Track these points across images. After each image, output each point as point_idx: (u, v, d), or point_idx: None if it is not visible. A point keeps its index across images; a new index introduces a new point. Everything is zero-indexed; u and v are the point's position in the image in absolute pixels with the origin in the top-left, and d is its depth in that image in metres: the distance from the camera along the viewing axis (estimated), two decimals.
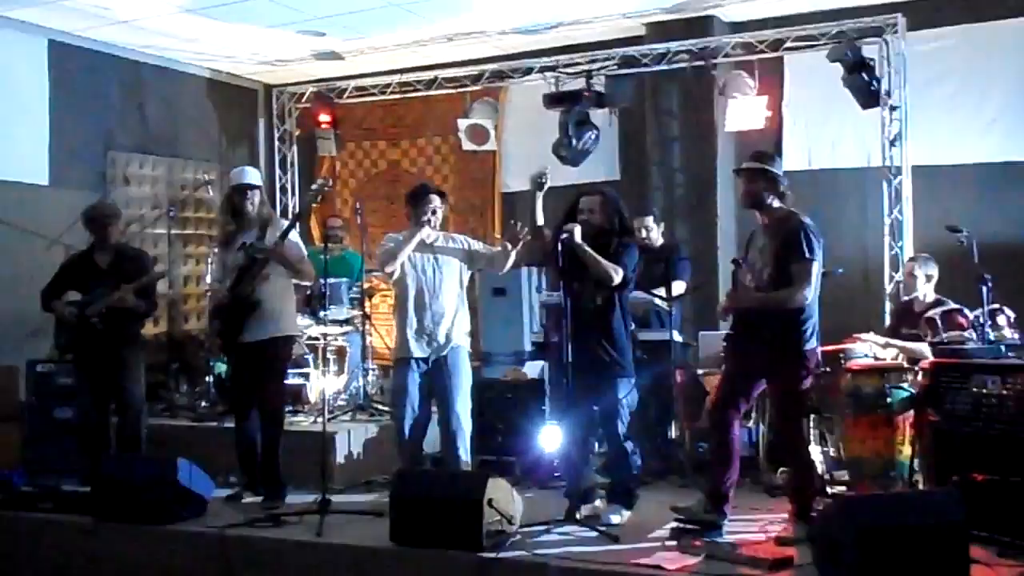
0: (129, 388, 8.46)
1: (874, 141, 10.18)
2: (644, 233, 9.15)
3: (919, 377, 7.24)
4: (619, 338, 7.11)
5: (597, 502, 7.31)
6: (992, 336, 7.34)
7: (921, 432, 7.05)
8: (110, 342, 8.37)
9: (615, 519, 7.07)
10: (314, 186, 8.09)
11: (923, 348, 7.68)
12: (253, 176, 8.05)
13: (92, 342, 8.36)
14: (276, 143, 13.40)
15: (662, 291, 8.61)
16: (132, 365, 8.51)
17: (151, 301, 8.63)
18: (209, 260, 10.86)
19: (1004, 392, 6.37)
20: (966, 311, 7.66)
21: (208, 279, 10.17)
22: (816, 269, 6.55)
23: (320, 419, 8.28)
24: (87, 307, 8.33)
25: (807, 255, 6.52)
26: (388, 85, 12.54)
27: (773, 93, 10.67)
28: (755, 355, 6.66)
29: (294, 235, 7.92)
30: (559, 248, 7.05)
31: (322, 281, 8.57)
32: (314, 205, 12.91)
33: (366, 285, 10.30)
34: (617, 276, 7.02)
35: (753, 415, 8.18)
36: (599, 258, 7.01)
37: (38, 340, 9.50)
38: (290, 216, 11.31)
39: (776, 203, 6.72)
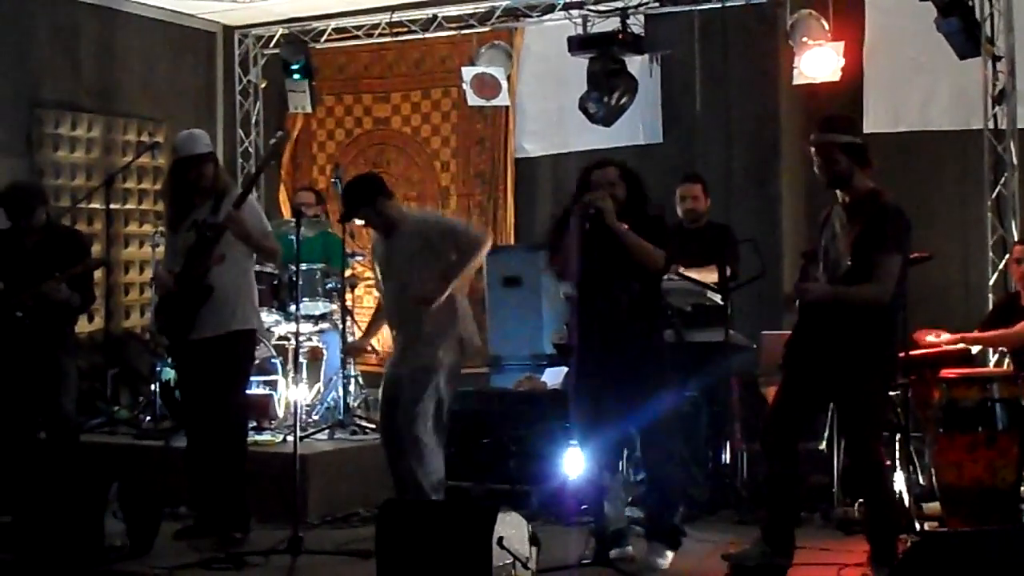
0: (63, 401, 8.50)
1: (975, 98, 10.17)
2: (689, 204, 9.20)
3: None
4: (656, 338, 7.15)
5: (631, 543, 7.34)
6: None
7: None
8: (39, 343, 8.42)
9: (659, 562, 7.10)
10: (272, 140, 8.11)
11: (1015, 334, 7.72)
12: (203, 143, 8.02)
13: (15, 342, 8.41)
14: (237, 98, 13.44)
15: (710, 278, 8.61)
16: (67, 372, 8.55)
17: (88, 293, 8.67)
18: (154, 242, 10.91)
19: None
20: None
21: (153, 265, 10.21)
22: (899, 263, 6.56)
23: (290, 438, 8.31)
24: (11, 298, 8.37)
25: (892, 246, 6.53)
26: (376, 26, 12.56)
27: (851, 38, 10.64)
28: (823, 361, 6.67)
29: (253, 204, 7.94)
30: (583, 229, 7.08)
31: (292, 267, 8.59)
32: (281, 173, 13.04)
33: (348, 273, 10.31)
34: (661, 260, 7.07)
35: (824, 434, 8.20)
36: (641, 240, 7.04)
37: None
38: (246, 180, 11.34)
39: (861, 177, 6.72)
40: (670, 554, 7.16)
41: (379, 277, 7.95)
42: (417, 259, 7.68)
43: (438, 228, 7.86)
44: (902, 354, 7.00)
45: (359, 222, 8.02)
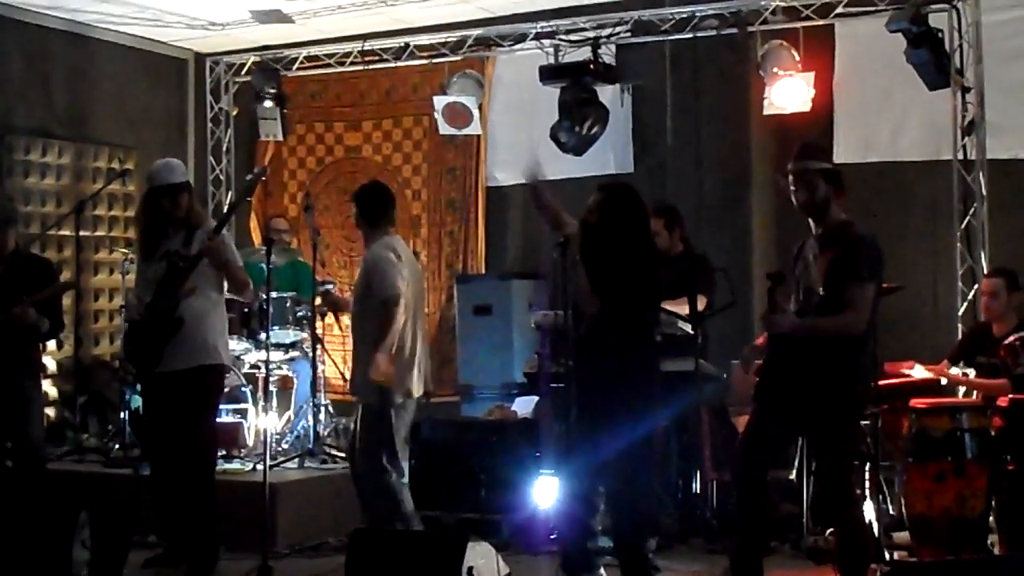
0: (30, 428, 8.45)
1: (944, 129, 10.23)
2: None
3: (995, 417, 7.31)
4: (631, 366, 7.16)
5: (602, 572, 7.33)
6: None
7: (998, 484, 7.09)
8: (5, 369, 8.37)
9: None
10: (249, 176, 8.12)
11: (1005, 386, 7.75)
12: (179, 172, 8.03)
13: None
14: (209, 125, 13.43)
15: (684, 309, 8.63)
16: (33, 399, 8.50)
17: (57, 319, 8.64)
18: (123, 270, 10.88)
19: None
20: None
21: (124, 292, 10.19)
22: (872, 293, 6.58)
23: (260, 467, 8.29)
24: None
25: (866, 276, 6.55)
26: (348, 54, 12.58)
27: (821, 69, 10.70)
28: (795, 392, 6.67)
29: (225, 237, 7.94)
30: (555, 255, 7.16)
31: (263, 296, 8.59)
32: (252, 201, 13.03)
33: (318, 301, 10.31)
34: (592, 307, 7.15)
35: (795, 463, 8.22)
36: (582, 276, 7.14)
37: None
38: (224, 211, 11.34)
39: (836, 207, 6.73)
40: None
41: None
42: (360, 290, 7.92)
43: (371, 267, 7.93)
44: (873, 384, 7.02)
45: None
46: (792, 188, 6.72)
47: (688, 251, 9.38)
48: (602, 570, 7.34)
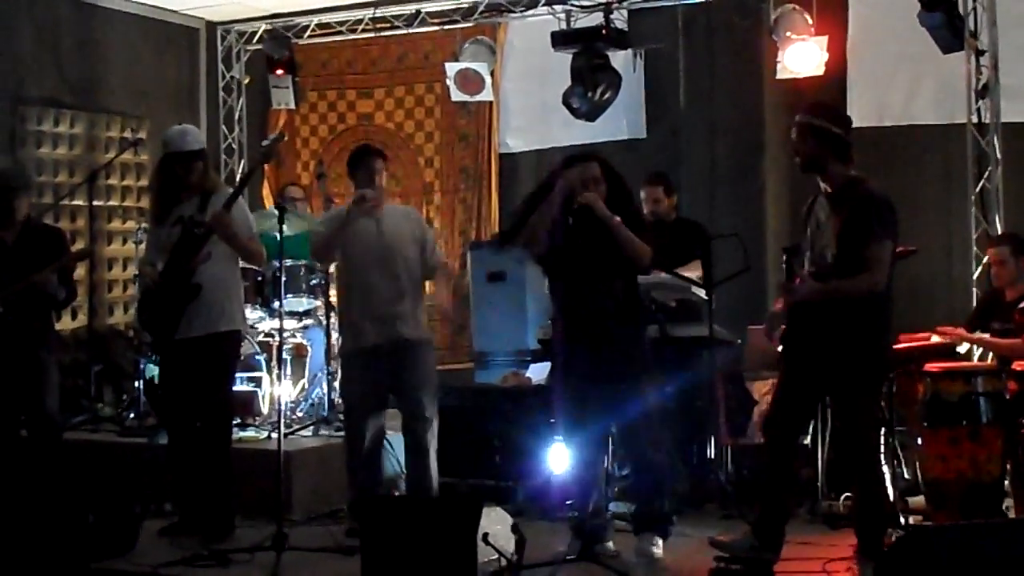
0: (45, 398, 8.46)
1: (958, 93, 10.18)
2: (650, 206, 9.13)
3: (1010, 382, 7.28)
4: (640, 335, 7.15)
5: (612, 539, 7.33)
6: None
7: (1013, 448, 7.06)
8: (21, 339, 8.37)
9: (652, 551, 7.09)
10: (265, 141, 8.09)
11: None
12: (195, 139, 8.01)
13: None
14: (221, 94, 13.42)
15: (696, 274, 8.60)
16: (48, 369, 8.51)
17: (71, 288, 8.64)
18: (137, 239, 10.88)
19: None
20: None
21: (137, 262, 10.19)
22: (889, 250, 6.55)
23: (275, 435, 8.30)
24: None
25: (881, 233, 6.52)
26: (359, 22, 12.55)
27: (835, 33, 10.65)
28: (818, 354, 6.66)
29: (241, 205, 7.94)
30: (566, 226, 7.09)
31: (276, 264, 8.58)
32: (267, 168, 13.02)
33: (331, 269, 10.29)
34: (649, 256, 7.07)
35: (811, 427, 8.20)
36: (632, 235, 7.06)
37: None
38: (237, 180, 11.32)
39: (840, 168, 6.72)
40: (661, 543, 7.15)
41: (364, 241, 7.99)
42: (415, 243, 7.99)
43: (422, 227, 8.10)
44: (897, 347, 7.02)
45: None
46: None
47: (681, 218, 9.36)
48: (610, 544, 7.34)
